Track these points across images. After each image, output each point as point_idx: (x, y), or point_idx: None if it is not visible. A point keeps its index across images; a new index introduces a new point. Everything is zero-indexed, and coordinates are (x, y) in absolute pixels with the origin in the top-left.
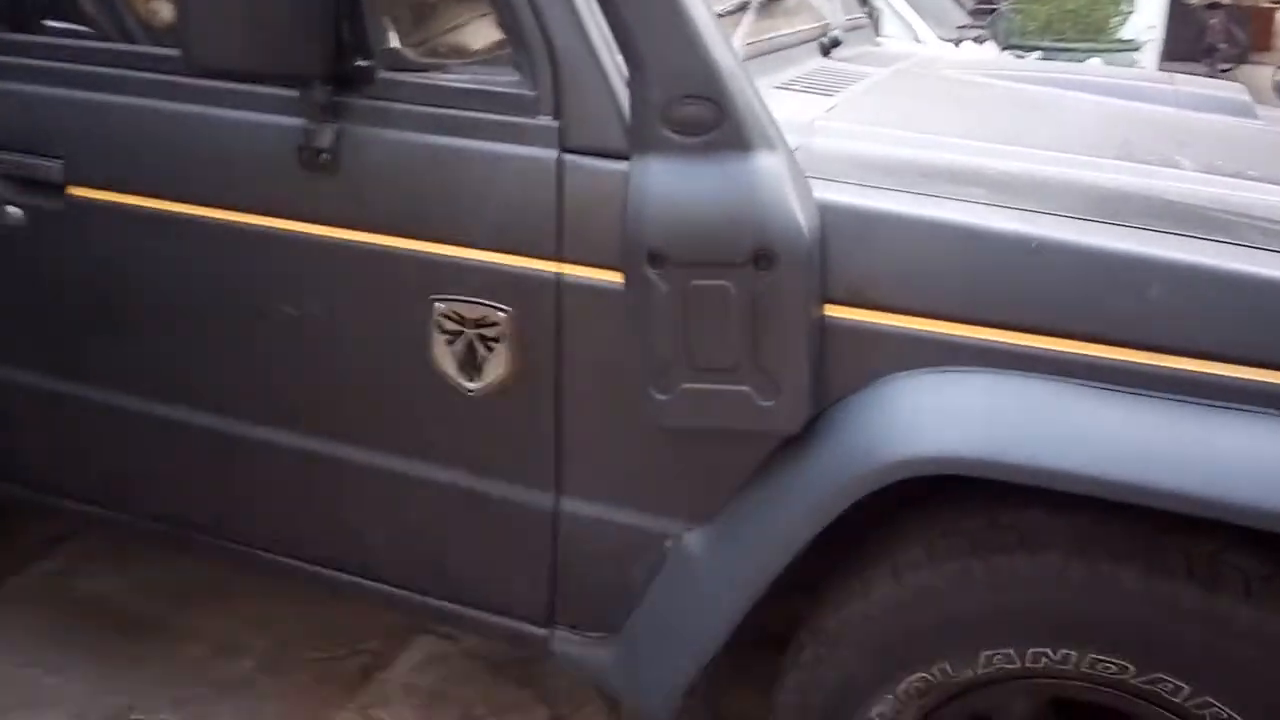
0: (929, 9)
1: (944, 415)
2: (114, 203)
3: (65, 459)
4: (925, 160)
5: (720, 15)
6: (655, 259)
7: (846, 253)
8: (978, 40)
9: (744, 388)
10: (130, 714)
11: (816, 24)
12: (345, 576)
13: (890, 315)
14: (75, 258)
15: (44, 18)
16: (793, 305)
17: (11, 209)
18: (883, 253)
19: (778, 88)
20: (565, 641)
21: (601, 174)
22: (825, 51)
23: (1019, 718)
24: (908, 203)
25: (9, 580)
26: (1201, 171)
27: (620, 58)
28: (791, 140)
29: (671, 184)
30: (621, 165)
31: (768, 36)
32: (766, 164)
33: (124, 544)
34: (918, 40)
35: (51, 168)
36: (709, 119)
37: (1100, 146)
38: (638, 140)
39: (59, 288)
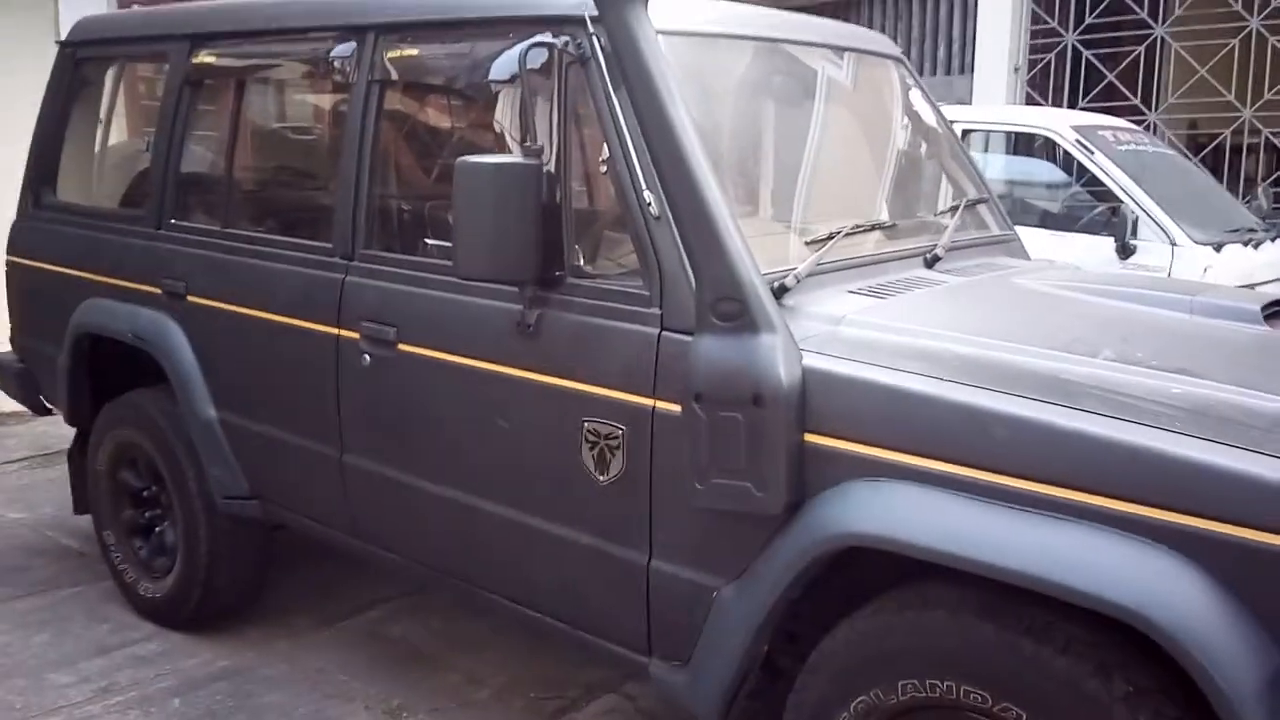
0: (1203, 212)
1: (866, 509)
2: (422, 355)
3: (386, 520)
4: (903, 344)
5: (845, 233)
6: (699, 398)
7: (819, 399)
8: (1249, 243)
9: (746, 484)
10: (401, 713)
11: (928, 243)
12: (526, 611)
13: (843, 441)
14: (400, 390)
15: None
16: (775, 431)
17: (366, 357)
18: (839, 401)
19: (850, 291)
20: (658, 667)
21: (680, 343)
22: (929, 264)
23: None
24: (859, 370)
25: (347, 620)
26: (1115, 360)
27: (693, 274)
28: (817, 327)
29: (712, 351)
30: (689, 338)
31: (876, 252)
32: (766, 341)
33: (428, 604)
34: (1174, 244)
35: (389, 331)
36: (735, 311)
37: (1059, 339)
38: (698, 323)
39: (391, 408)
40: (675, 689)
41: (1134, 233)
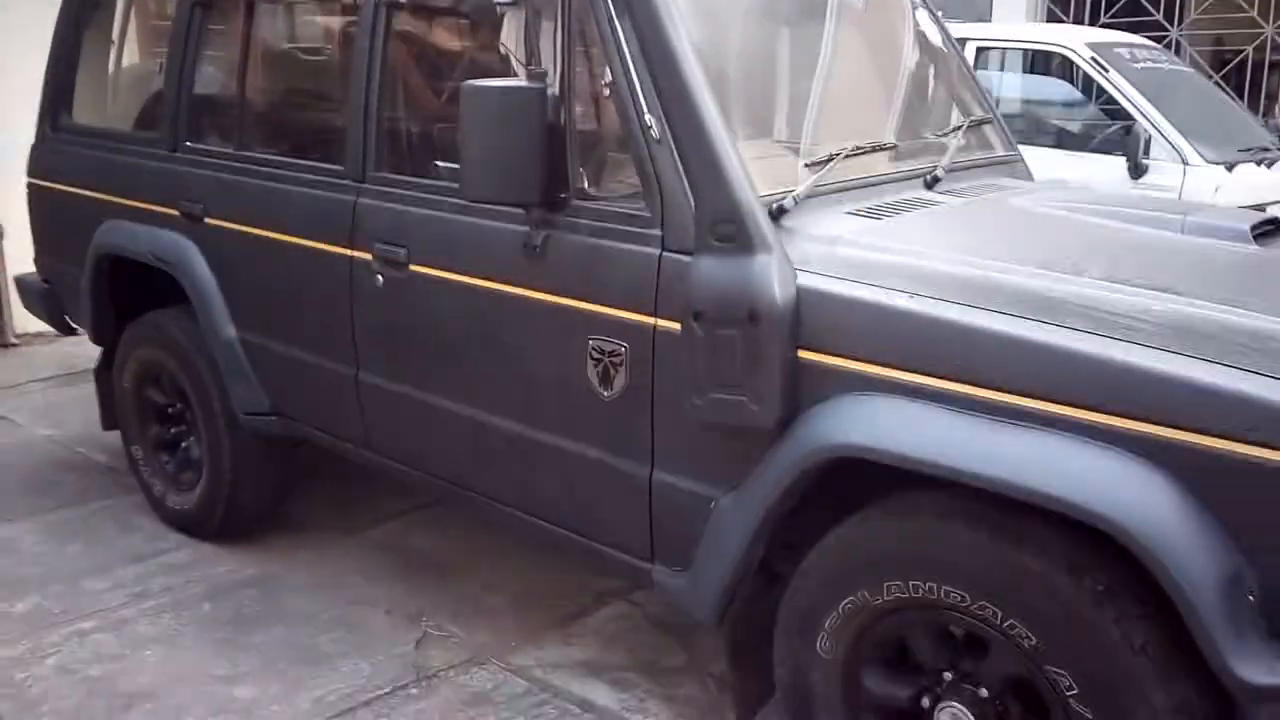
0: (1217, 131)
1: (854, 421)
2: (433, 275)
3: (401, 436)
4: (894, 263)
5: (845, 155)
6: (697, 316)
7: (812, 317)
8: (1263, 163)
9: (742, 398)
10: (421, 618)
11: (930, 164)
12: (536, 521)
13: (834, 357)
14: (412, 309)
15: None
16: (769, 347)
17: (379, 278)
18: (830, 318)
19: (848, 212)
20: (661, 573)
21: (680, 263)
22: (929, 185)
23: (921, 643)
24: (849, 288)
25: (368, 531)
26: (1101, 278)
27: (693, 196)
28: (813, 247)
29: (710, 271)
30: (689, 258)
31: (877, 173)
32: (762, 261)
33: (446, 517)
34: (1186, 164)
35: (400, 252)
36: (732, 233)
37: (1047, 258)
38: (697, 244)
39: (404, 327)
40: (676, 593)
41: (1146, 152)
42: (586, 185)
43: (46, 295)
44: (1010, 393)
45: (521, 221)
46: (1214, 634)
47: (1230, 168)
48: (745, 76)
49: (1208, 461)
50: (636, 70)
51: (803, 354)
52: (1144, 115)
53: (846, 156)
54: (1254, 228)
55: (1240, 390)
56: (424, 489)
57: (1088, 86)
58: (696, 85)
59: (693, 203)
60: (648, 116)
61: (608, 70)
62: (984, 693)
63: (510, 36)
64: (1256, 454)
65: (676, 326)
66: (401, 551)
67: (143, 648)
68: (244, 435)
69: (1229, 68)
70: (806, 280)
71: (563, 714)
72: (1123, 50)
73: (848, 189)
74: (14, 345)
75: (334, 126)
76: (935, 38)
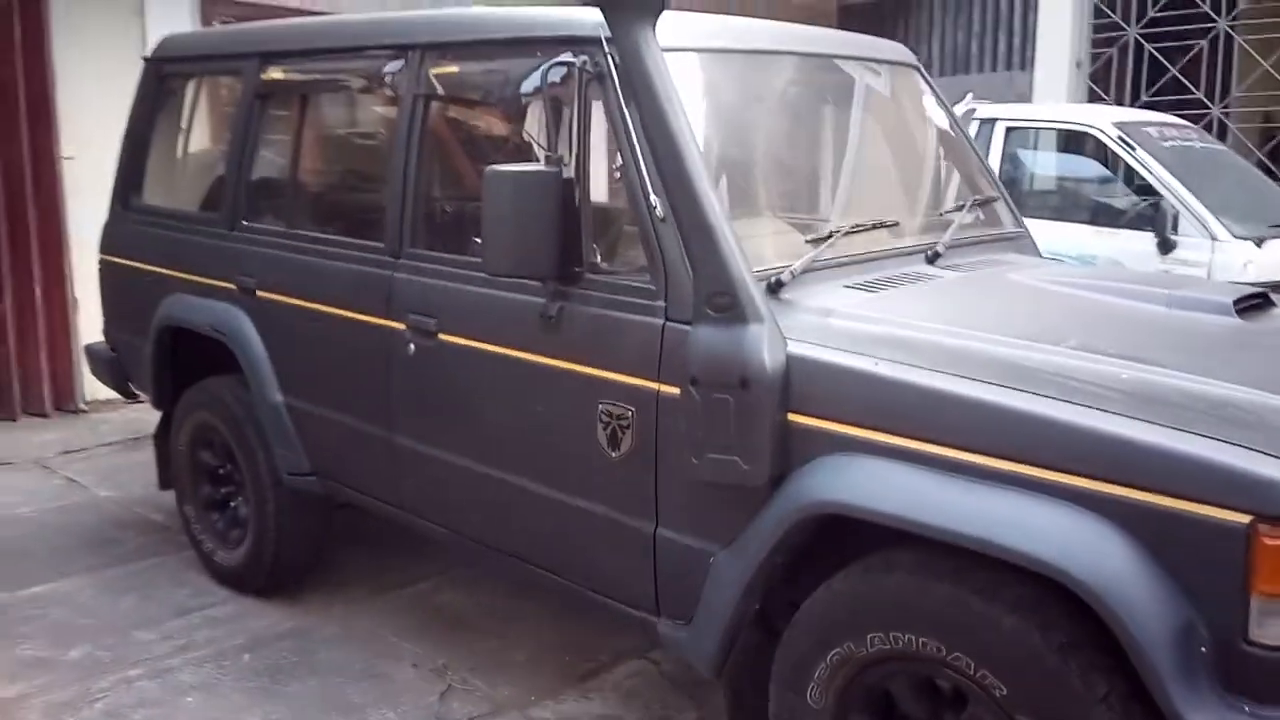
0: (1249, 207)
1: (836, 480)
2: (459, 344)
3: (431, 495)
4: (882, 333)
5: (844, 232)
6: (694, 381)
7: (800, 382)
8: None
9: (735, 458)
10: (446, 672)
11: (930, 241)
12: (552, 577)
13: (821, 420)
14: (440, 376)
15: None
16: (761, 411)
17: (411, 346)
18: (817, 384)
19: (846, 286)
20: (665, 626)
21: (681, 333)
22: (930, 260)
23: (905, 695)
24: (835, 356)
25: (400, 590)
26: (1077, 348)
27: (692, 270)
28: (808, 318)
29: (706, 339)
30: (689, 328)
31: (880, 249)
32: (754, 330)
33: (474, 577)
34: (1214, 239)
35: (430, 322)
36: (727, 304)
37: (1030, 329)
38: (695, 314)
39: (434, 393)
40: (680, 645)
41: (1175, 228)
42: (599, 260)
43: (113, 363)
44: (980, 454)
45: (539, 294)
46: (1166, 684)
47: (1260, 243)
48: (752, 158)
49: (1162, 520)
50: (642, 154)
51: (792, 417)
52: (1170, 192)
53: (846, 233)
54: (1238, 302)
55: (1193, 453)
56: (454, 547)
57: (1118, 165)
58: (695, 168)
59: (692, 276)
60: (652, 197)
61: (618, 155)
62: None
63: (532, 124)
64: (1207, 513)
65: (677, 391)
66: (431, 609)
67: (184, 694)
68: (287, 495)
69: (1275, 143)
70: (796, 349)
71: None
72: (1151, 129)
73: (850, 264)
74: (83, 411)
75: (375, 206)
76: (941, 121)
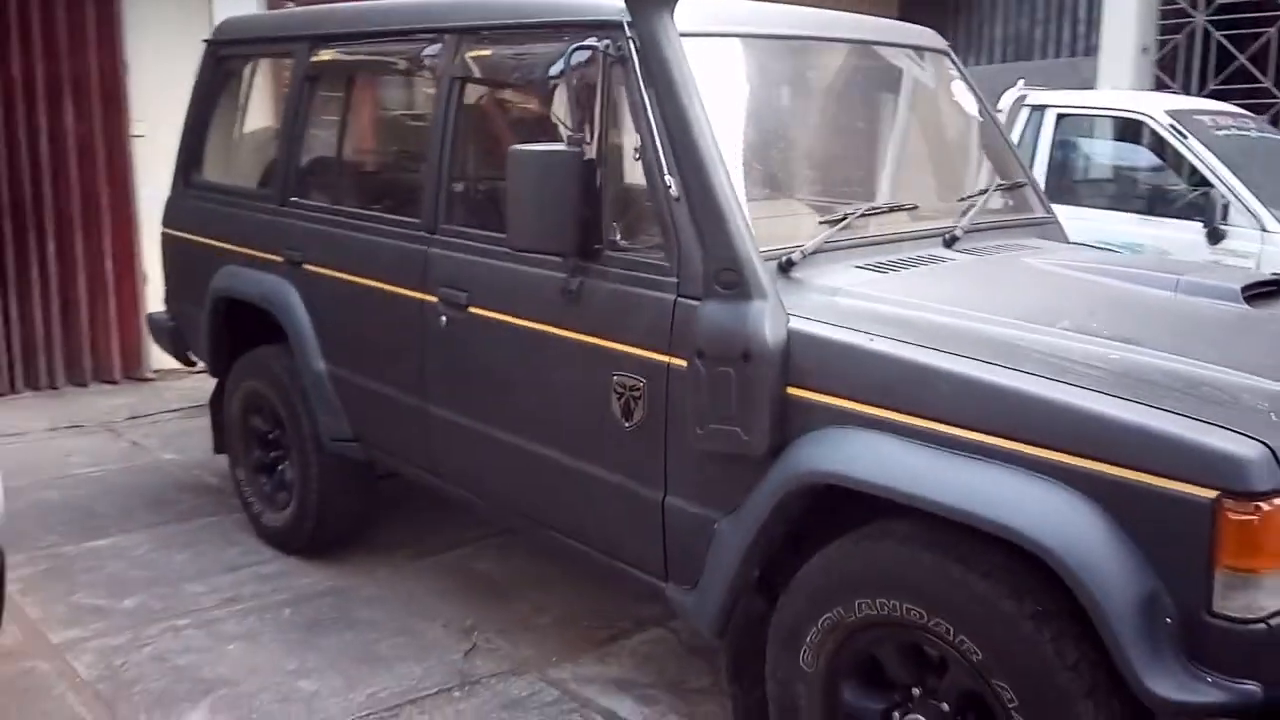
0: None
1: (829, 452)
2: (488, 316)
3: (461, 461)
4: (882, 311)
5: (859, 214)
6: (700, 354)
7: (801, 357)
8: None
9: (736, 429)
10: (473, 632)
11: (948, 225)
12: (570, 541)
13: (819, 394)
14: (470, 347)
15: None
16: (761, 384)
17: (444, 318)
18: (816, 359)
19: (858, 266)
20: (673, 590)
21: (691, 308)
22: (947, 244)
23: (891, 660)
24: (834, 332)
25: (439, 555)
26: (1070, 329)
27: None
28: (816, 296)
29: (712, 314)
30: (698, 303)
31: (897, 231)
32: (757, 306)
33: (511, 544)
34: (1264, 229)
35: (461, 296)
36: (734, 281)
37: (1028, 310)
38: (704, 290)
39: (464, 363)
40: (685, 609)
41: (1225, 217)
42: (618, 238)
43: (173, 332)
44: (965, 428)
45: (560, 269)
46: (1129, 652)
47: None
48: (771, 141)
49: (1132, 494)
50: (659, 136)
51: (791, 390)
52: (1221, 181)
53: (862, 215)
54: (1247, 288)
55: (1162, 429)
56: (484, 512)
57: (1169, 154)
58: (707, 150)
59: (702, 254)
60: (668, 177)
61: (637, 135)
62: (945, 707)
63: (558, 104)
64: (1174, 488)
65: (684, 363)
66: (466, 574)
67: (226, 643)
68: (330, 460)
69: None
70: (798, 324)
71: None
72: (1204, 117)
73: (867, 245)
74: (150, 380)
75: (414, 184)
76: (969, 106)
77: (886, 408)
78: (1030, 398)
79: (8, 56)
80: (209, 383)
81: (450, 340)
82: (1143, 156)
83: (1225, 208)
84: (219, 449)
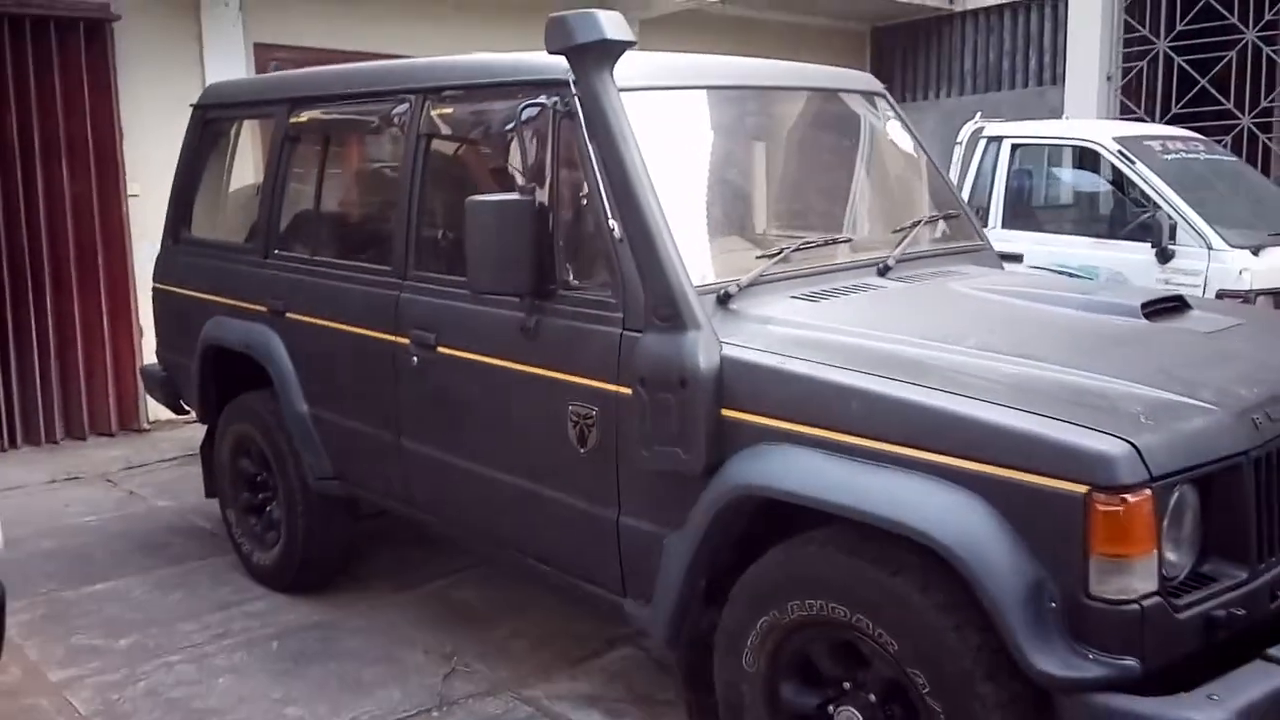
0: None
1: (756, 466)
2: (454, 355)
3: (433, 492)
4: (807, 337)
5: (795, 248)
6: (642, 381)
7: (732, 381)
8: None
9: (677, 449)
10: (452, 657)
11: (882, 255)
12: (532, 561)
13: (749, 414)
14: (439, 384)
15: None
16: (697, 407)
17: (415, 358)
18: (746, 382)
19: (793, 296)
20: (630, 605)
21: (635, 339)
22: (881, 273)
23: (821, 656)
24: (761, 357)
25: (420, 587)
26: (974, 347)
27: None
28: (750, 325)
29: (652, 345)
30: (640, 335)
31: (835, 263)
32: (691, 337)
33: (488, 575)
34: (1210, 248)
35: (431, 336)
36: (671, 314)
37: (938, 330)
38: (645, 324)
39: (433, 399)
40: (642, 621)
41: (1173, 237)
42: (570, 278)
43: (165, 382)
44: (873, 439)
45: (518, 309)
46: (1017, 634)
47: (1257, 251)
48: (710, 184)
49: (1016, 491)
50: (602, 183)
51: (725, 412)
52: (1167, 203)
53: (797, 249)
54: (1146, 305)
55: (1040, 433)
56: (458, 540)
57: (1119, 179)
58: (644, 195)
59: (643, 290)
60: (611, 221)
61: (585, 184)
62: (871, 698)
63: (514, 157)
64: (1052, 484)
65: (628, 391)
66: (446, 603)
67: (217, 676)
68: (314, 498)
69: None
70: (730, 351)
71: None
72: (1154, 143)
73: (805, 276)
74: (146, 431)
75: (385, 234)
76: (905, 144)
77: (807, 424)
78: (927, 409)
79: (5, 120)
80: (201, 432)
81: (421, 378)
82: (1092, 183)
83: (1173, 228)
84: (210, 493)
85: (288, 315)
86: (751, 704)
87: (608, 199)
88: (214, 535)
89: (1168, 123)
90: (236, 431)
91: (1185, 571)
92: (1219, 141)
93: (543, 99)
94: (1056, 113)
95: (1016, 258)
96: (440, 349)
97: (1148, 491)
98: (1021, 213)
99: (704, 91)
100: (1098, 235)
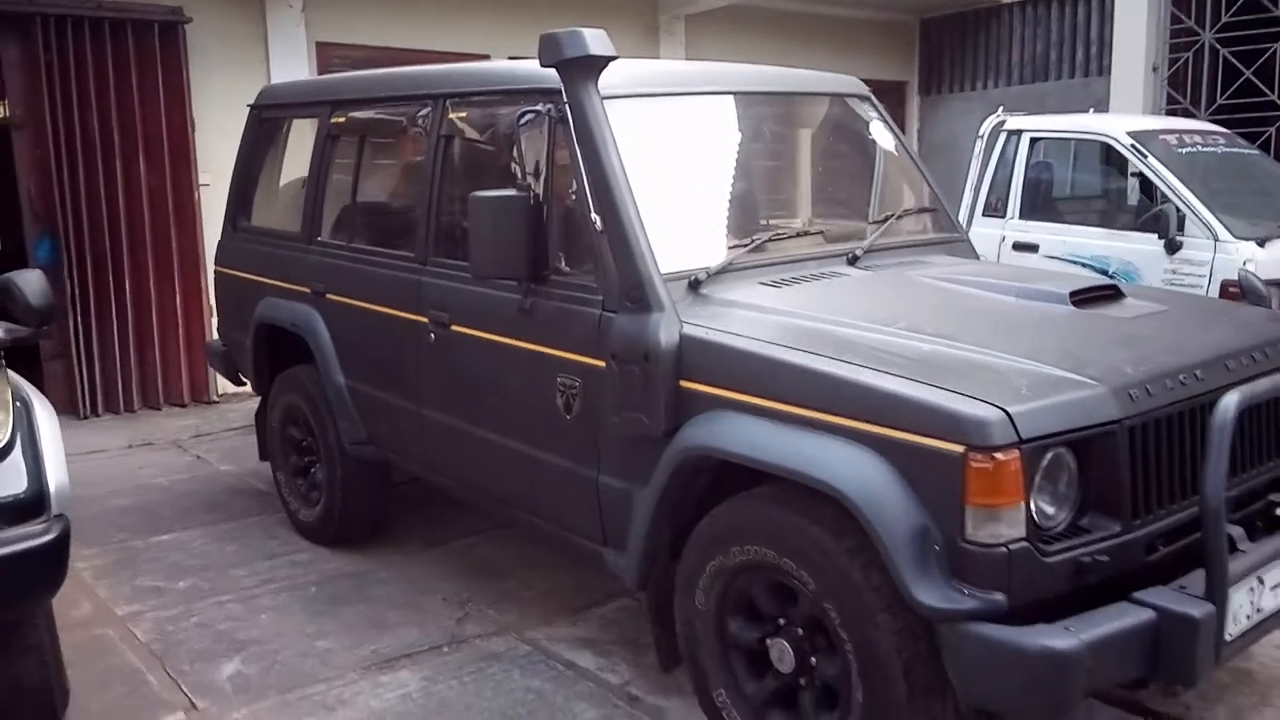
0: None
1: (704, 430)
2: (464, 332)
3: (448, 455)
4: (760, 318)
5: (767, 239)
6: (614, 356)
7: (690, 356)
8: None
9: (641, 415)
10: (467, 604)
11: (851, 245)
12: (534, 519)
13: (703, 385)
14: (452, 358)
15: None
16: (657, 379)
17: (432, 335)
18: (700, 357)
19: (760, 283)
20: (609, 553)
21: (608, 318)
22: (850, 262)
23: (760, 595)
24: (714, 335)
25: (448, 544)
26: (902, 328)
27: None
28: (715, 308)
29: (622, 324)
30: (614, 315)
31: (808, 252)
32: (655, 318)
33: (511, 535)
34: (1216, 239)
35: (445, 316)
36: (639, 296)
37: (877, 314)
38: (618, 305)
39: (447, 372)
40: (617, 568)
41: (1181, 229)
42: (562, 264)
43: (225, 356)
44: (800, 406)
45: (516, 292)
46: (904, 572)
47: (1262, 243)
48: (690, 181)
49: (909, 450)
50: (586, 181)
51: (683, 383)
52: (1176, 195)
53: (770, 240)
54: (1074, 293)
55: (927, 400)
56: (469, 499)
57: (1133, 171)
58: (619, 192)
59: (616, 275)
60: (593, 215)
61: (574, 181)
62: (800, 631)
63: (517, 158)
64: (936, 445)
65: (604, 364)
66: (468, 559)
67: (260, 613)
68: (351, 461)
69: None
70: (690, 330)
71: (551, 669)
72: (1170, 136)
73: (777, 264)
74: (215, 403)
75: (410, 224)
76: (886, 142)
77: (749, 394)
78: (841, 380)
79: (88, 118)
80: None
81: (437, 353)
82: (1108, 175)
83: (1181, 220)
84: (263, 456)
85: (328, 296)
86: (704, 637)
87: (589, 195)
88: (267, 495)
89: (1212, 114)
90: (285, 401)
91: (1063, 523)
92: (1263, 133)
93: (540, 106)
94: (1103, 104)
95: (1033, 248)
96: (453, 327)
97: (1016, 452)
98: (1039, 204)
99: (687, 97)
100: (1111, 227)
